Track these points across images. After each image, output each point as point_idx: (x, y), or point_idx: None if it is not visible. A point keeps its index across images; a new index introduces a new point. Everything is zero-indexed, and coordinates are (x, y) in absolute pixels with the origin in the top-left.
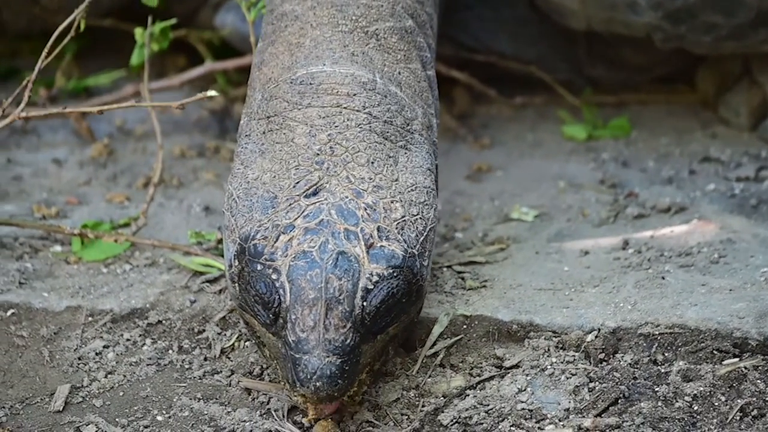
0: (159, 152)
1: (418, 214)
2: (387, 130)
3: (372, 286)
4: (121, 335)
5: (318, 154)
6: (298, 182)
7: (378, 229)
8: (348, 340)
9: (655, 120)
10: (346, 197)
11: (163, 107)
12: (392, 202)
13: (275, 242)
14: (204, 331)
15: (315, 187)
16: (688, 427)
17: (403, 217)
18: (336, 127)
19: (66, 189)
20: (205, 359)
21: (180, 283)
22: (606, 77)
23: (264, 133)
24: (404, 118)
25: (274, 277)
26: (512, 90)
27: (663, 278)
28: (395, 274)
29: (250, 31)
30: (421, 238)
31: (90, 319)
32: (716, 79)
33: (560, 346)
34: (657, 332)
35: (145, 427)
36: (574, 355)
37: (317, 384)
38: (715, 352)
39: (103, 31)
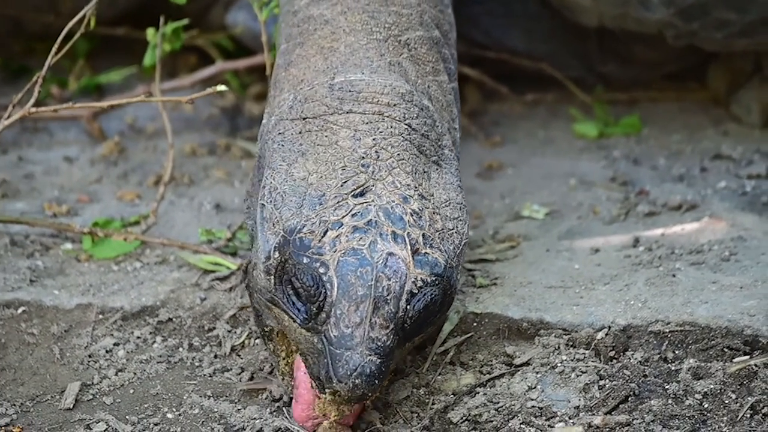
0: (170, 152)
1: (454, 229)
2: (423, 144)
3: (416, 291)
4: (132, 333)
5: (363, 158)
6: (345, 182)
7: (423, 236)
8: (389, 341)
9: (667, 117)
10: (393, 201)
11: (174, 105)
12: (434, 213)
13: (322, 237)
14: (214, 328)
15: (362, 188)
16: (698, 425)
17: (443, 228)
18: (380, 132)
19: (77, 187)
20: (216, 357)
21: (190, 280)
22: (617, 74)
23: (301, 133)
24: (437, 133)
25: (321, 270)
26: (523, 87)
27: (674, 276)
28: (437, 282)
29: (261, 30)
30: (458, 252)
31: (100, 316)
32: (728, 77)
33: (570, 343)
34: (667, 330)
35: (155, 424)
36: (584, 353)
37: (356, 381)
38: (725, 349)
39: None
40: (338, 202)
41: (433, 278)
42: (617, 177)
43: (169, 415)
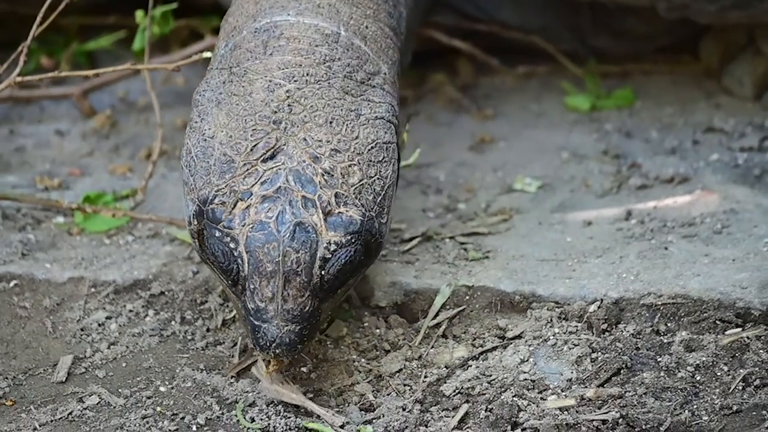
0: (159, 130)
1: (376, 175)
2: (347, 85)
3: (330, 255)
4: (124, 306)
5: (276, 112)
6: (255, 145)
7: (336, 195)
8: (307, 308)
9: (659, 90)
10: (304, 161)
11: (166, 79)
12: (350, 166)
13: (233, 208)
14: (206, 302)
15: (273, 149)
16: (690, 397)
17: (360, 181)
18: (295, 81)
19: (68, 160)
20: (208, 330)
21: (182, 254)
22: (610, 47)
23: (224, 83)
24: (366, 72)
25: (232, 246)
26: (515, 60)
27: (666, 249)
28: (353, 240)
29: None
30: (379, 199)
31: (93, 290)
32: (720, 49)
33: (563, 316)
34: (660, 303)
35: (148, 397)
36: (576, 326)
37: (276, 351)
38: (717, 322)
39: (105, 9)
40: (248, 170)
41: (349, 237)
42: (609, 150)
43: (162, 389)
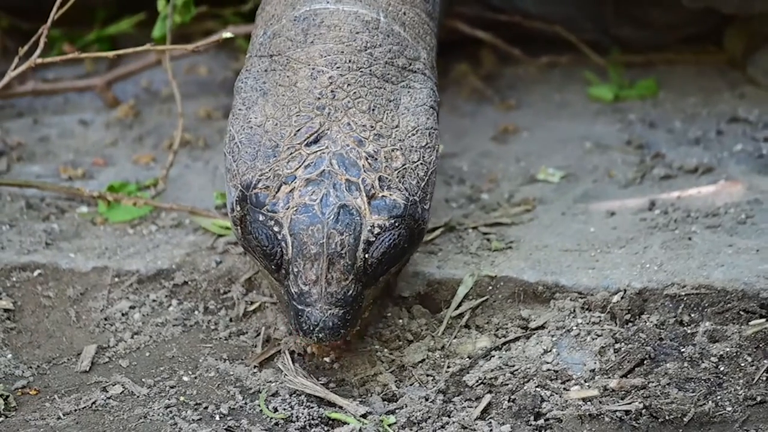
0: (180, 119)
1: (419, 160)
2: (388, 72)
3: (374, 239)
4: (147, 296)
5: (319, 98)
6: (299, 129)
7: (380, 179)
8: (350, 292)
9: (683, 80)
10: (348, 145)
11: (189, 69)
12: (393, 150)
13: (276, 192)
14: (229, 291)
15: (317, 134)
16: (714, 388)
17: (404, 165)
18: (338, 68)
19: (92, 150)
20: (231, 320)
21: (206, 244)
22: (633, 37)
23: (266, 71)
24: (406, 58)
25: (276, 229)
26: (538, 51)
27: (689, 239)
28: (397, 224)
29: None
30: (422, 184)
31: (116, 279)
32: (745, 39)
33: (586, 307)
34: (683, 293)
35: (171, 387)
36: (599, 316)
37: (320, 335)
38: (741, 312)
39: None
40: (291, 154)
41: (392, 221)
42: (633, 140)
43: (185, 378)
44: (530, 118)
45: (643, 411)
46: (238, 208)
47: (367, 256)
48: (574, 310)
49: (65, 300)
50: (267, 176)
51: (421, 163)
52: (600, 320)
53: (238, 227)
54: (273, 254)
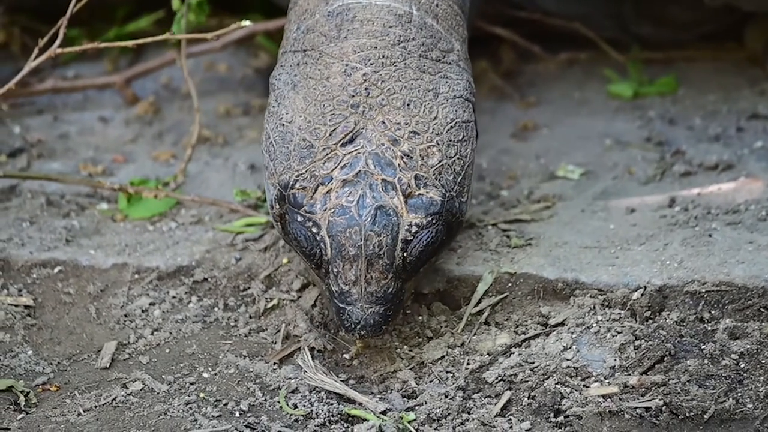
0: (197, 114)
1: (456, 155)
2: (423, 65)
3: (411, 237)
4: (167, 293)
5: (353, 96)
6: (334, 129)
7: (416, 177)
8: (390, 289)
9: (703, 77)
10: (383, 144)
11: (209, 66)
12: (429, 147)
13: (314, 193)
14: (249, 288)
15: (352, 134)
16: (734, 385)
17: (440, 161)
18: (371, 64)
19: (112, 147)
20: (251, 317)
21: (225, 240)
22: (653, 35)
23: (298, 65)
24: (440, 51)
25: (314, 230)
26: (557, 48)
27: (710, 236)
28: (434, 221)
29: None
30: (459, 178)
31: (136, 276)
32: (765, 36)
33: (606, 304)
34: (703, 290)
35: (191, 383)
36: (619, 313)
37: (361, 332)
38: (762, 309)
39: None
40: (327, 154)
41: (430, 218)
42: (653, 137)
43: (205, 375)
44: (550, 115)
45: (664, 408)
46: (277, 206)
47: (405, 254)
48: (594, 307)
49: (85, 297)
50: (304, 177)
51: (458, 158)
52: (620, 317)
53: (279, 223)
54: (312, 254)
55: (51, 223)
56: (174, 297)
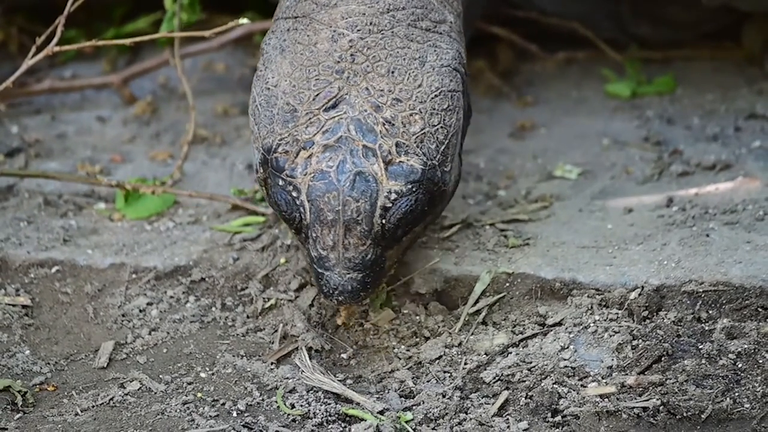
0: (192, 112)
1: (439, 123)
2: (411, 33)
3: (390, 204)
4: (165, 292)
5: (339, 62)
6: (318, 94)
7: (397, 144)
8: (369, 256)
9: (701, 77)
10: (366, 111)
11: (207, 65)
12: (411, 114)
13: (296, 157)
14: (247, 288)
15: (335, 99)
16: (732, 385)
17: (422, 129)
18: (358, 31)
19: (110, 147)
20: (248, 317)
21: (223, 240)
22: (651, 35)
23: (288, 30)
24: (431, 21)
25: (294, 194)
26: (555, 47)
27: (707, 236)
28: (414, 189)
29: None
30: (442, 147)
31: (134, 276)
32: (762, 36)
33: (603, 303)
34: (701, 290)
35: (189, 383)
36: (617, 313)
37: (339, 298)
38: (759, 309)
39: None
40: (310, 119)
41: (410, 186)
42: (650, 137)
43: (203, 375)
44: (547, 115)
45: (661, 408)
46: (261, 171)
47: (384, 221)
48: (592, 307)
49: (83, 296)
50: (287, 141)
51: (442, 127)
52: (617, 317)
53: (263, 188)
54: (292, 219)
55: (48, 223)
56: (171, 297)
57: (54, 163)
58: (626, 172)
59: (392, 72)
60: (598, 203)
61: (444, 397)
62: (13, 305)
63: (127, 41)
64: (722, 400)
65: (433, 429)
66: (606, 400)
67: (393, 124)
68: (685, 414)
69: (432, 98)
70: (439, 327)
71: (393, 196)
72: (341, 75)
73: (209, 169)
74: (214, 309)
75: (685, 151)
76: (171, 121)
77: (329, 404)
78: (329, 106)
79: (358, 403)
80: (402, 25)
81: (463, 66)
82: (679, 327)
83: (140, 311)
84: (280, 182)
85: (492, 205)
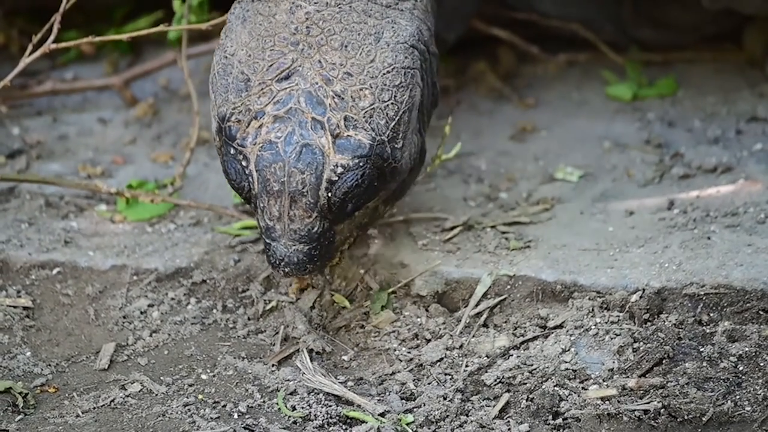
0: (196, 117)
1: (390, 100)
2: (370, 9)
3: (336, 178)
4: (166, 294)
5: (294, 34)
6: (272, 65)
7: (345, 118)
8: (315, 228)
9: (702, 79)
10: (317, 83)
11: (208, 68)
12: (361, 89)
13: (247, 127)
14: (248, 290)
15: (288, 70)
16: (733, 387)
17: (372, 104)
18: (315, 3)
19: (111, 148)
20: (249, 318)
21: (224, 242)
22: (652, 38)
23: (253, 1)
24: None
25: (243, 164)
26: (556, 49)
27: (709, 238)
28: (361, 164)
29: None
30: (392, 124)
31: (135, 278)
32: (764, 39)
33: (604, 306)
34: (702, 292)
35: (190, 385)
36: (618, 316)
37: (285, 269)
38: (760, 312)
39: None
40: (262, 89)
41: (357, 161)
42: (652, 139)
43: (204, 376)
44: (548, 117)
45: (662, 410)
46: (217, 139)
47: (330, 194)
48: (593, 310)
49: (84, 298)
50: (240, 110)
51: (392, 103)
52: (618, 319)
53: (220, 156)
54: (241, 188)
55: (50, 225)
56: (173, 299)
57: (55, 165)
58: (627, 174)
59: (346, 46)
60: (599, 206)
61: (445, 399)
62: (15, 307)
63: (124, 36)
64: (723, 403)
65: (434, 431)
66: (607, 402)
67: (342, 98)
68: (686, 417)
69: (384, 74)
70: (440, 329)
71: (339, 169)
72: (296, 47)
73: (210, 170)
74: (215, 311)
75: (687, 154)
76: (172, 123)
77: (330, 406)
78: (282, 77)
79: (359, 405)
80: (361, 0)
81: (424, 44)
82: (680, 330)
83: (141, 313)
84: (232, 151)
85: (493, 208)
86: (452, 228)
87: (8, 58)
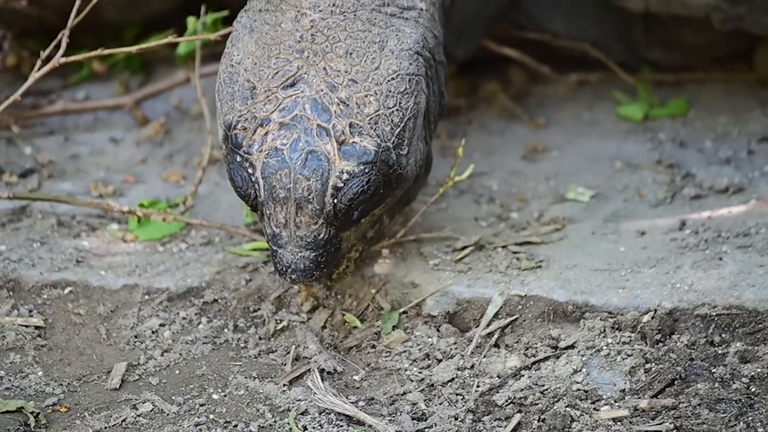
0: (208, 137)
1: (394, 106)
2: (374, 17)
3: (342, 184)
4: (177, 314)
5: (300, 41)
6: (277, 72)
7: (350, 125)
8: (321, 235)
9: (713, 99)
10: (322, 90)
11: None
12: (366, 96)
13: (253, 134)
14: (259, 310)
15: (293, 77)
16: (745, 409)
17: (377, 111)
18: (320, 11)
19: (123, 168)
20: (260, 338)
21: (235, 262)
22: (663, 59)
23: (260, 11)
24: (398, 7)
25: (250, 171)
26: (567, 69)
27: (720, 259)
28: (367, 170)
29: None
30: (398, 130)
31: (146, 297)
32: None
33: (616, 326)
34: (714, 313)
35: (201, 405)
36: (630, 336)
37: (293, 276)
38: None
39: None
40: (268, 97)
41: (362, 167)
42: (663, 159)
43: (215, 396)
44: (560, 137)
45: (674, 431)
46: (224, 147)
47: (336, 201)
48: (604, 330)
49: (96, 317)
50: (245, 117)
51: (397, 109)
52: (630, 340)
53: (227, 165)
54: (248, 196)
55: (61, 244)
56: (184, 318)
57: (67, 184)
58: (639, 194)
59: (350, 53)
60: (610, 226)
61: (456, 419)
62: (26, 326)
63: (133, 49)
64: (735, 425)
65: None
66: (619, 423)
67: (347, 105)
68: None
69: (388, 81)
70: (451, 349)
71: (345, 176)
72: (301, 54)
73: (222, 190)
74: (226, 330)
75: (698, 174)
76: (184, 142)
77: (341, 426)
78: (287, 85)
79: (370, 426)
80: (366, 9)
81: (429, 51)
82: (692, 350)
83: (153, 332)
84: (238, 158)
85: (504, 228)
86: (463, 248)
87: (19, 78)
